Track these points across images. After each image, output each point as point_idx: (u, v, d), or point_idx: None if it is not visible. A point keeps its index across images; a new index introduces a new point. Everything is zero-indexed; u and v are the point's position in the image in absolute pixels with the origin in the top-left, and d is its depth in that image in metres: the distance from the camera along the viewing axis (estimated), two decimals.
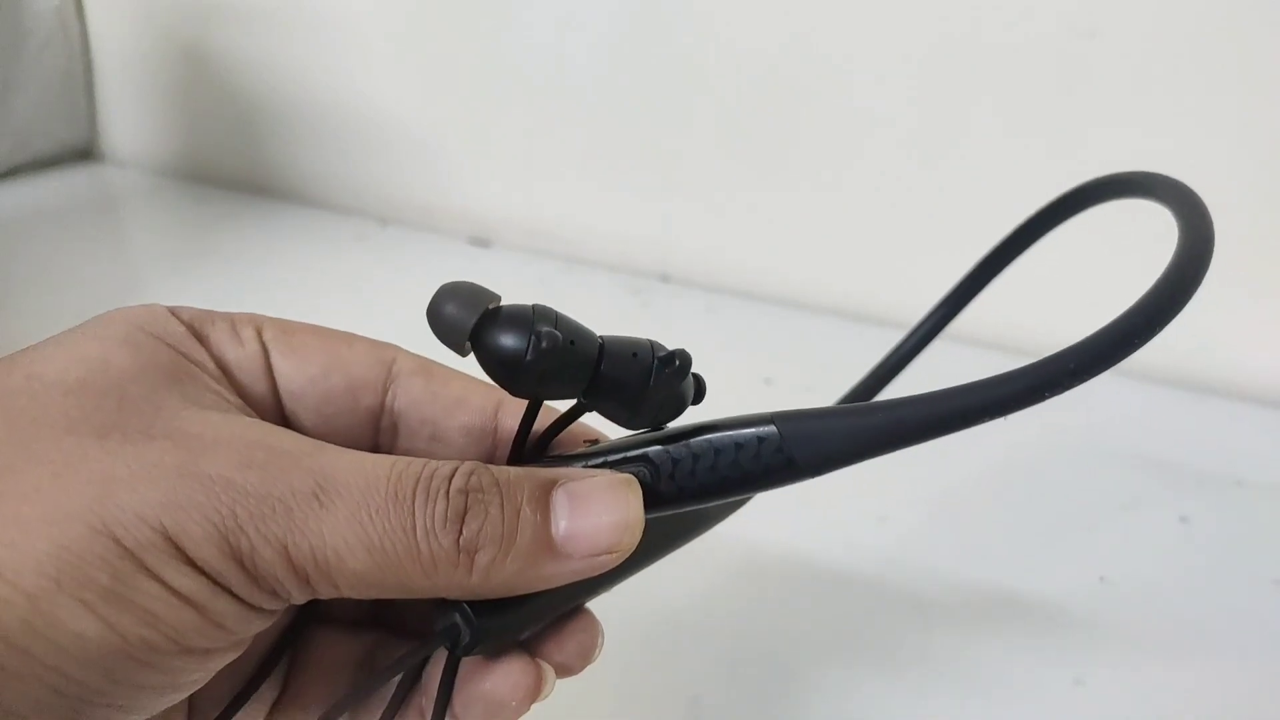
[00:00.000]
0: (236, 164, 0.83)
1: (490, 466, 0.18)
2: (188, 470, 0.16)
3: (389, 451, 0.22)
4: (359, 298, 0.63)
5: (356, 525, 0.17)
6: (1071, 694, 0.33)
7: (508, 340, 0.18)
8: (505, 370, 0.18)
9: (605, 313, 0.63)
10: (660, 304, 0.63)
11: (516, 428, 0.21)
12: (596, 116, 0.66)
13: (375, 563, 0.17)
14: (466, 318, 0.18)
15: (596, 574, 0.19)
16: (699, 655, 0.34)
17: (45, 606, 0.14)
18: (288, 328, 0.21)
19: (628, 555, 0.19)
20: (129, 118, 0.87)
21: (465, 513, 0.17)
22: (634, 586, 0.22)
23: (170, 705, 0.17)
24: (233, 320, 0.21)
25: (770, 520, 0.33)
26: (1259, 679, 0.34)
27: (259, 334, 0.21)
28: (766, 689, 0.32)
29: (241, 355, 0.20)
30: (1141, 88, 0.51)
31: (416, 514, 0.17)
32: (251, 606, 0.17)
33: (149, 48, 0.82)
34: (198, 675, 0.17)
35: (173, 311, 0.20)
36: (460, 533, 0.17)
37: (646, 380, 0.20)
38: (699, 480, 0.19)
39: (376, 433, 0.22)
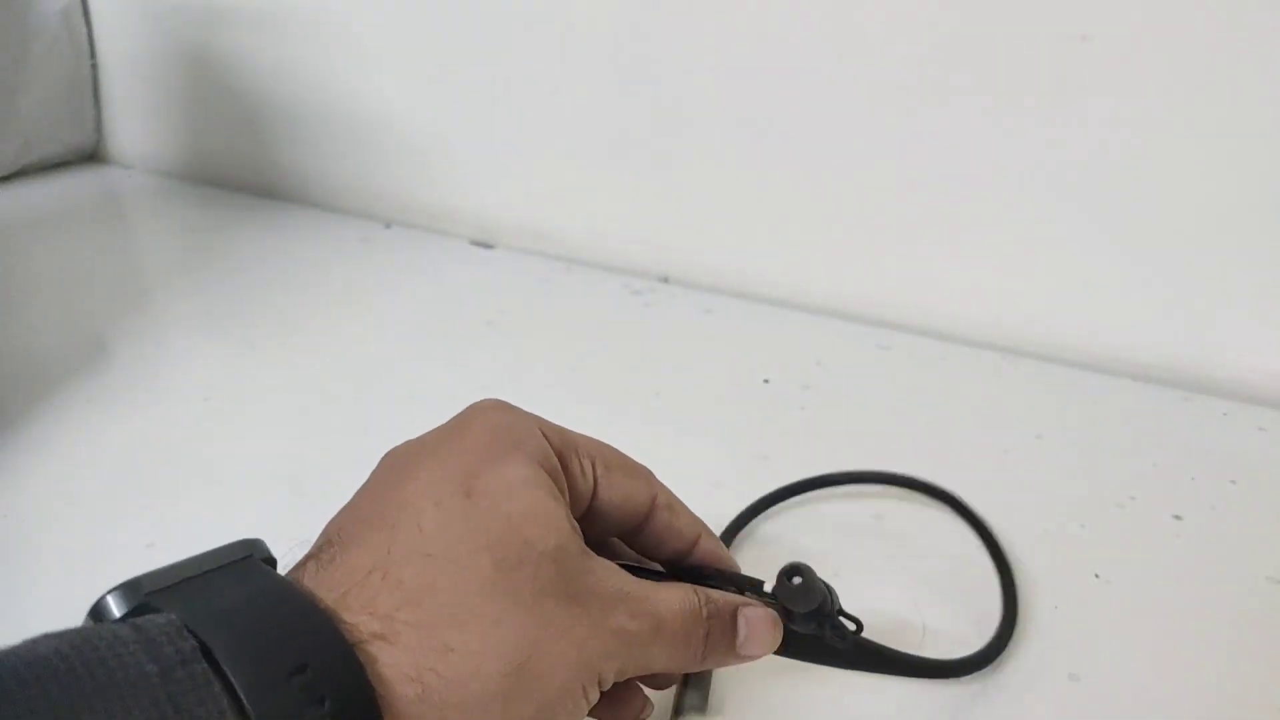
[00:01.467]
0: (242, 166, 0.83)
1: (714, 596, 0.29)
2: (608, 629, 0.25)
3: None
4: (363, 299, 0.64)
5: (669, 650, 0.27)
6: (1066, 690, 0.33)
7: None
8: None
9: (606, 313, 0.63)
10: (660, 304, 0.64)
11: (705, 547, 0.32)
12: (598, 119, 0.67)
13: (668, 665, 0.27)
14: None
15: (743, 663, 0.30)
16: None
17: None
18: (607, 464, 0.30)
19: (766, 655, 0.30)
20: (135, 120, 0.88)
21: (709, 634, 0.28)
22: None
23: None
24: (578, 454, 0.29)
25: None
26: (1252, 676, 0.34)
27: (594, 470, 0.29)
28: None
29: (584, 489, 0.29)
30: (1135, 91, 0.51)
31: (692, 641, 0.27)
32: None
33: (155, 51, 0.83)
34: None
35: (544, 433, 0.28)
36: (706, 646, 0.28)
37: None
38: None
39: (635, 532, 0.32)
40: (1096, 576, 0.39)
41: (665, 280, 0.67)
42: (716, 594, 0.29)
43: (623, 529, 0.31)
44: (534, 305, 0.64)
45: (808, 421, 0.49)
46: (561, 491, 0.27)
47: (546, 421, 0.29)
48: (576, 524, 0.27)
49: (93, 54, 0.86)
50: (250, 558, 0.23)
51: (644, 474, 0.31)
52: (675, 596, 0.27)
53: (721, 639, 0.28)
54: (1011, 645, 0.35)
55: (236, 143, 0.83)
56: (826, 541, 0.40)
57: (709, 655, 0.28)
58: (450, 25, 0.69)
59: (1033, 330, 0.59)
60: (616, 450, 0.31)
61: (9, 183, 0.82)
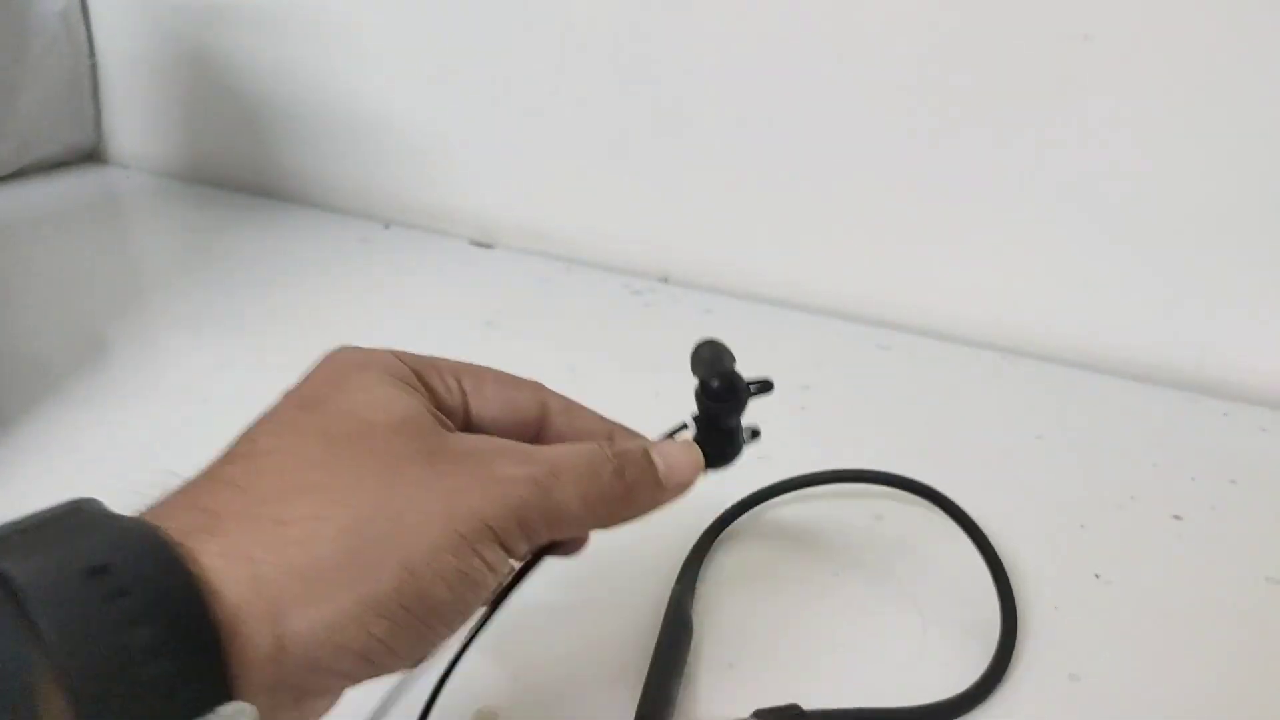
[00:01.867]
0: (241, 166, 0.83)
1: (618, 442, 0.28)
2: (487, 479, 0.24)
3: None
4: (363, 299, 0.64)
5: (577, 488, 0.25)
6: (1067, 690, 0.33)
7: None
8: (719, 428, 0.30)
9: (606, 313, 0.63)
10: (660, 304, 0.64)
11: (624, 443, 0.30)
12: (598, 119, 0.66)
13: (584, 508, 0.25)
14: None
15: (674, 501, 0.29)
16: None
17: (426, 586, 0.22)
18: (477, 377, 0.28)
19: (693, 486, 0.29)
20: (134, 120, 0.88)
21: (623, 469, 0.27)
22: None
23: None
24: (438, 370, 0.28)
25: None
26: (1252, 675, 0.34)
27: (459, 384, 0.28)
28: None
29: (454, 404, 0.28)
30: (1136, 91, 0.51)
31: (604, 475, 0.26)
32: (518, 557, 0.25)
33: (154, 50, 0.83)
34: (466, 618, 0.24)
35: (398, 357, 0.27)
36: (624, 480, 0.27)
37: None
38: None
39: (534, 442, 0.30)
40: (1097, 577, 0.39)
41: (665, 280, 0.67)
42: (622, 442, 0.28)
43: (524, 438, 0.29)
44: (534, 305, 0.64)
45: (808, 422, 0.49)
46: (431, 418, 0.26)
47: (404, 351, 0.28)
48: (444, 418, 0.26)
49: (92, 54, 0.86)
50: (78, 503, 0.22)
51: (530, 385, 0.30)
52: (572, 446, 0.27)
53: (642, 476, 0.27)
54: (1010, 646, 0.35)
55: (236, 143, 0.83)
56: (824, 542, 0.40)
57: (634, 495, 0.27)
58: (450, 25, 0.69)
59: (1033, 330, 0.58)
60: (494, 369, 0.29)
61: (8, 182, 0.82)
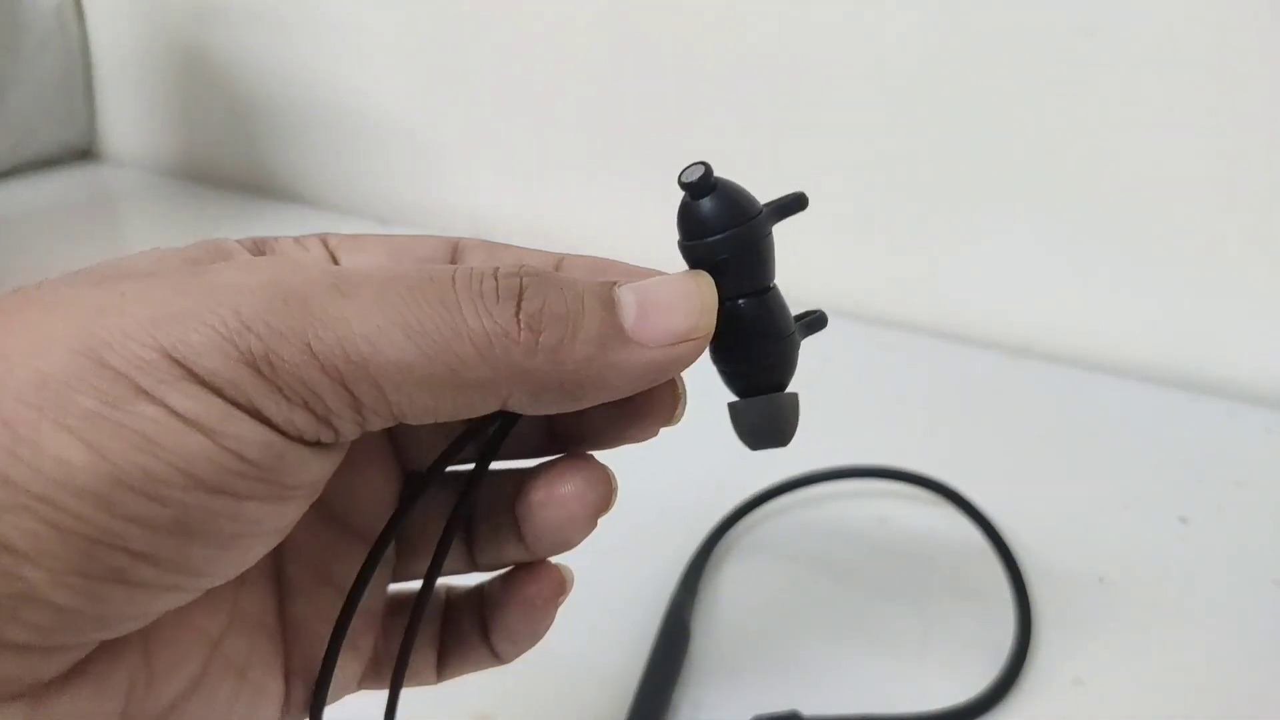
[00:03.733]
0: (236, 164, 0.83)
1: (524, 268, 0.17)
2: (184, 285, 0.15)
3: None
4: None
5: (388, 306, 0.15)
6: (1071, 694, 0.33)
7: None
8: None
9: None
10: None
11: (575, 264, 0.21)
12: (595, 115, 0.66)
13: (418, 347, 0.15)
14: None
15: (677, 370, 0.18)
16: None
17: (25, 433, 0.13)
18: (355, 236, 0.21)
19: (705, 344, 0.18)
20: (128, 117, 0.87)
21: (521, 292, 0.16)
22: None
23: (210, 577, 0.16)
24: (297, 238, 0.20)
25: None
26: (1259, 680, 0.34)
27: (324, 243, 0.20)
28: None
29: (307, 259, 0.20)
30: (1141, 86, 0.51)
31: (459, 290, 0.16)
32: (284, 432, 0.15)
33: (148, 47, 0.82)
34: (233, 527, 0.15)
35: (240, 241, 0.20)
36: (519, 309, 0.16)
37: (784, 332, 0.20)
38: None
39: None
40: (1101, 580, 0.38)
41: None
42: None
43: None
44: None
45: (809, 422, 0.48)
46: (204, 258, 0.18)
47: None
48: None
49: (86, 50, 0.86)
50: None
51: (437, 236, 0.22)
52: (420, 265, 0.18)
53: (570, 314, 0.17)
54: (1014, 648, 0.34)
55: (230, 140, 0.82)
56: (825, 545, 0.40)
57: (554, 345, 0.16)
58: (447, 23, 0.69)
59: (1037, 330, 0.58)
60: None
61: (1, 180, 0.82)
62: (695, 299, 0.18)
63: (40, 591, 0.13)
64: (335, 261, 0.20)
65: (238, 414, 0.14)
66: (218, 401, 0.14)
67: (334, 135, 0.77)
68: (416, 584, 0.21)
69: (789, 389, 0.20)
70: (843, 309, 0.62)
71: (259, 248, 0.19)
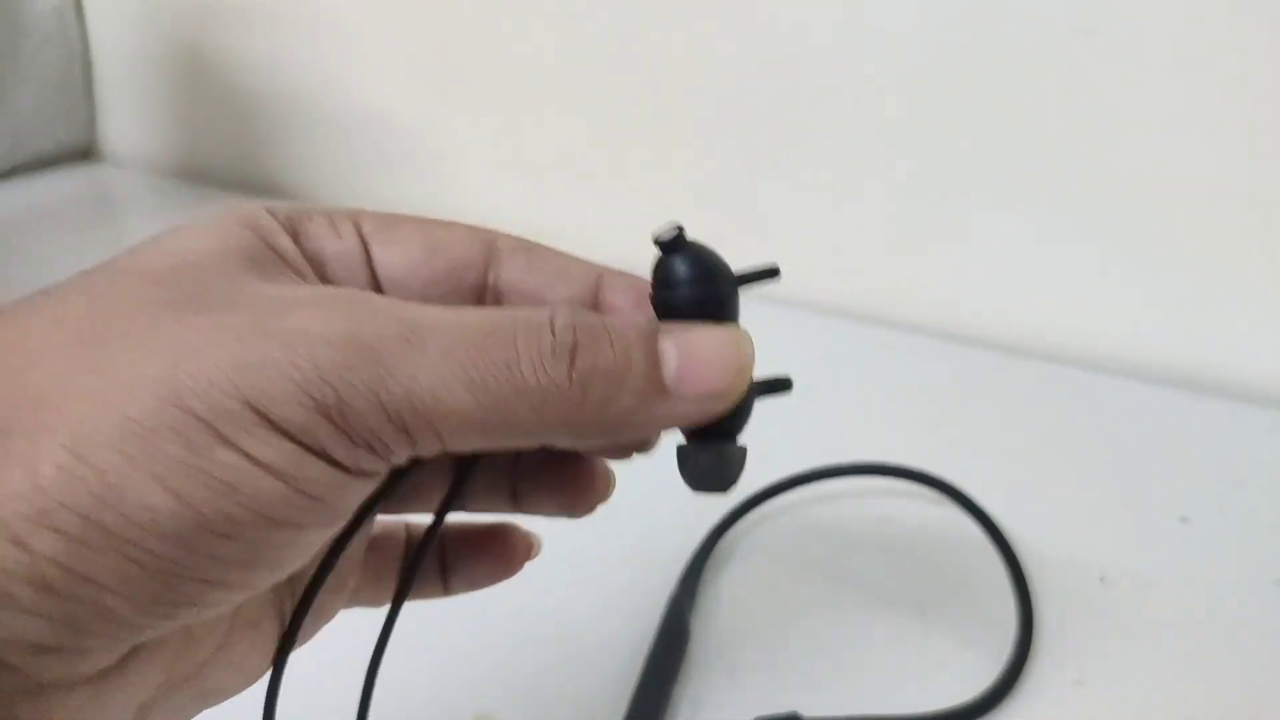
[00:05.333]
0: (235, 164, 0.83)
1: (591, 312, 0.18)
2: (261, 328, 0.16)
3: None
4: None
5: (453, 362, 0.16)
6: (1072, 694, 0.32)
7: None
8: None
9: None
10: None
11: (616, 303, 0.21)
12: (596, 116, 0.66)
13: (478, 401, 0.16)
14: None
15: (705, 421, 0.19)
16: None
17: (115, 481, 0.14)
18: (388, 219, 0.21)
19: (735, 401, 0.19)
20: (128, 117, 0.87)
21: (575, 349, 0.17)
22: None
23: (267, 585, 0.17)
24: (330, 215, 0.20)
25: None
26: (1260, 680, 0.33)
27: (358, 228, 0.20)
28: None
29: (340, 248, 0.20)
30: (1140, 86, 0.51)
31: (520, 348, 0.17)
32: (347, 470, 0.16)
33: (148, 47, 0.82)
34: (292, 552, 0.17)
35: (268, 208, 0.20)
36: (572, 365, 0.17)
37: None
38: None
39: None
40: (1102, 580, 0.38)
41: None
42: (611, 299, 0.20)
43: (464, 292, 0.21)
44: None
45: (809, 422, 0.48)
46: (269, 243, 0.19)
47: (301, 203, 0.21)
48: (292, 262, 0.19)
49: (86, 50, 0.86)
50: None
51: (472, 226, 0.22)
52: (483, 309, 0.18)
53: (616, 366, 0.17)
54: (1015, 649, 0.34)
55: (230, 141, 0.82)
56: (826, 546, 0.40)
57: (599, 397, 0.17)
58: (447, 23, 0.69)
59: (1037, 330, 0.58)
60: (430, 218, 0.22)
61: (1, 180, 0.82)
62: (734, 360, 0.19)
63: (119, 614, 0.15)
64: (367, 251, 0.20)
65: (309, 457, 0.16)
66: (291, 447, 0.15)
67: (334, 135, 0.76)
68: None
69: (739, 442, 0.21)
70: (843, 309, 0.62)
71: (292, 224, 0.20)
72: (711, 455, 0.20)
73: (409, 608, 0.23)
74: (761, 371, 0.21)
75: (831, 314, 0.62)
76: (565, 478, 0.23)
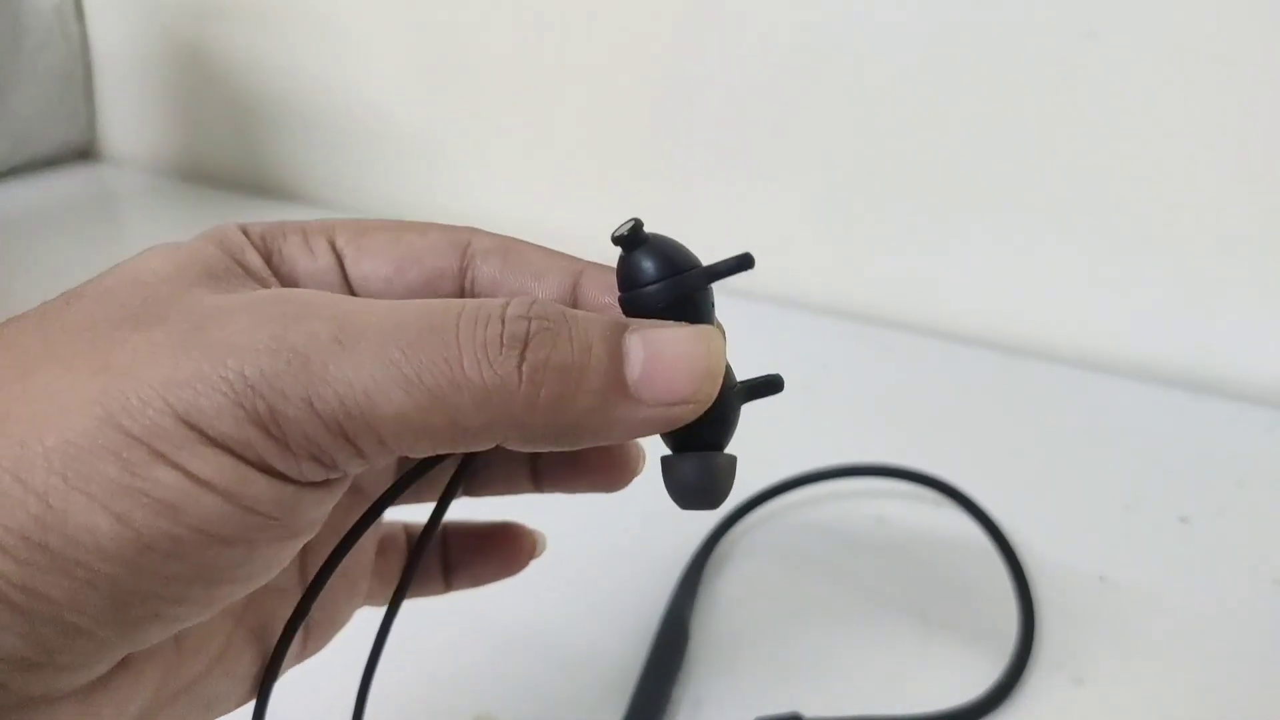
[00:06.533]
0: (236, 164, 0.83)
1: (555, 303, 0.17)
2: (190, 341, 0.15)
3: None
4: None
5: (386, 361, 0.15)
6: (1072, 694, 0.32)
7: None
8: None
9: None
10: None
11: (596, 300, 0.19)
12: (597, 118, 0.66)
13: (415, 401, 0.15)
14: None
15: (669, 428, 0.17)
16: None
17: (56, 503, 0.14)
18: (360, 229, 0.20)
19: (705, 408, 0.17)
20: (128, 117, 0.87)
21: (527, 340, 0.16)
22: None
23: (236, 598, 0.16)
24: (305, 231, 0.20)
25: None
26: (1260, 679, 0.33)
27: (332, 244, 0.20)
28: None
29: (315, 268, 0.19)
30: (1140, 88, 0.51)
31: (463, 341, 0.15)
32: (294, 481, 0.15)
33: (148, 47, 0.82)
34: (252, 568, 0.16)
35: (243, 228, 0.19)
36: (522, 359, 0.15)
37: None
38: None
39: None
40: (1102, 579, 0.38)
41: None
42: (590, 295, 0.19)
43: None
44: None
45: (809, 423, 0.48)
46: (237, 259, 0.18)
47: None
48: (256, 274, 0.18)
49: (86, 50, 0.86)
50: None
51: (447, 227, 0.21)
52: (423, 301, 0.16)
53: (575, 366, 0.16)
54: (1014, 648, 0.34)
55: (231, 140, 0.82)
56: (826, 546, 0.40)
57: (554, 399, 0.16)
58: (447, 23, 0.69)
59: (1038, 330, 0.58)
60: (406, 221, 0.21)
61: (1, 180, 0.82)
62: (702, 362, 0.17)
63: (85, 630, 0.15)
64: (342, 267, 0.20)
65: (252, 472, 0.15)
66: (231, 461, 0.15)
67: (334, 135, 0.76)
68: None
69: (728, 450, 0.19)
70: (843, 309, 0.62)
71: (266, 244, 0.19)
72: (696, 467, 0.18)
73: (408, 608, 0.23)
74: (757, 372, 0.20)
75: (831, 314, 0.62)
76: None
